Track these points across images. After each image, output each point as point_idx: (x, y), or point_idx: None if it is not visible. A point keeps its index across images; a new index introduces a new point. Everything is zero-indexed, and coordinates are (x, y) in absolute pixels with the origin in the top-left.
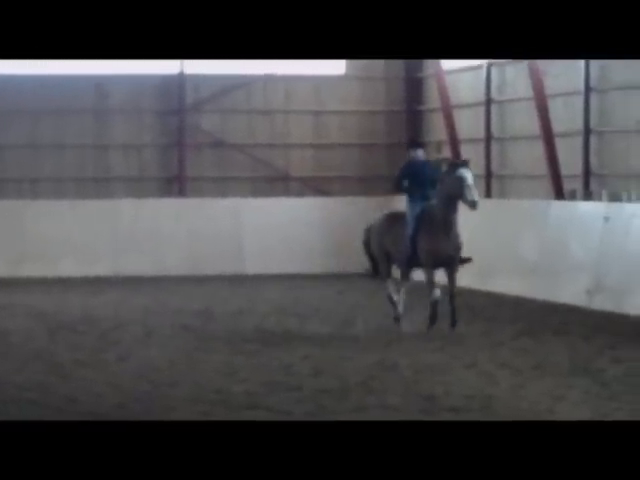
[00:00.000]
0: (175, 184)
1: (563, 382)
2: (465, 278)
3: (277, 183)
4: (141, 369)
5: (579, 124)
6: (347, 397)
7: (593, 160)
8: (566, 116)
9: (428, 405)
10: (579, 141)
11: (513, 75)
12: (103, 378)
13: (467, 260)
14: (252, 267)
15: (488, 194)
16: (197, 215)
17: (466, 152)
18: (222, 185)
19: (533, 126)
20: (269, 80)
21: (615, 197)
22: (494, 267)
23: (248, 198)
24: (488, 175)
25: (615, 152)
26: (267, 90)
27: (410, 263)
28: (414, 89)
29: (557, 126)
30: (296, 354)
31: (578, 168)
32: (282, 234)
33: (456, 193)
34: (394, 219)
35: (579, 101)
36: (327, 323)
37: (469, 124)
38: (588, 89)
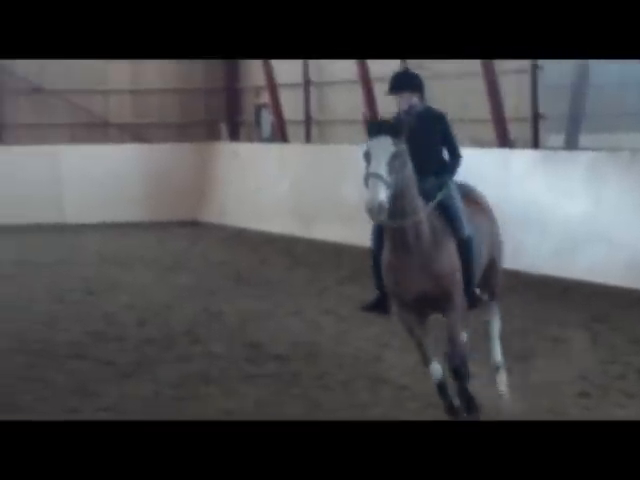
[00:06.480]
0: None
1: (388, 329)
2: (288, 225)
3: (96, 130)
4: None
5: None
6: (172, 346)
7: None
8: None
9: (253, 353)
10: None
11: None
12: None
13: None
14: (72, 216)
15: (308, 139)
16: (15, 162)
17: (285, 97)
18: (39, 132)
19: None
20: None
21: None
22: (316, 214)
23: (67, 145)
24: (308, 120)
25: None
26: None
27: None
28: None
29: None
30: (119, 303)
31: None
32: (102, 182)
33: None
34: None
35: None
36: (150, 271)
37: (288, 68)
38: None
